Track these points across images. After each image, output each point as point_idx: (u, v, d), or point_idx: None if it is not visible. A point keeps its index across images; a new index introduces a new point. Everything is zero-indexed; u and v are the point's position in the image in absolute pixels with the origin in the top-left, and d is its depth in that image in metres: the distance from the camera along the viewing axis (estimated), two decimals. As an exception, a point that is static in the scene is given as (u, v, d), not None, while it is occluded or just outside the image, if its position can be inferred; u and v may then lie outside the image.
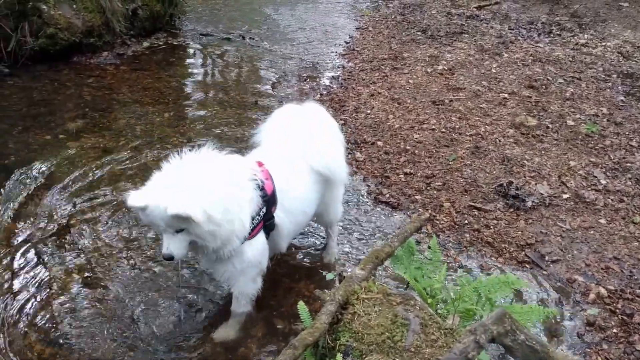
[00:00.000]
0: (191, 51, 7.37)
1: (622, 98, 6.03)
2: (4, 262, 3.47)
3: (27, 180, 4.28)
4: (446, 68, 6.72)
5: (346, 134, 5.08)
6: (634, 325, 3.23)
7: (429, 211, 4.17)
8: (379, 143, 5.10)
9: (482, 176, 4.61)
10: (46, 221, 3.86)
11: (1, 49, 6.03)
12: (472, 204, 4.28)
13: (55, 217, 3.91)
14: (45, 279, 3.36)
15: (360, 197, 4.37)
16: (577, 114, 5.63)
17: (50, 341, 2.97)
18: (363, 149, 5.01)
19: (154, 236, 3.72)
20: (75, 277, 3.41)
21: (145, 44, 7.28)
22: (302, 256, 3.74)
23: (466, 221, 4.10)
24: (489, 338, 1.95)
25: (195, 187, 2.46)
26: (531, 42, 7.68)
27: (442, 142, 5.10)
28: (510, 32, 8.05)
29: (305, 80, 6.57)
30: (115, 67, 6.56)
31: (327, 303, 2.31)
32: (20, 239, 3.69)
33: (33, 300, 3.22)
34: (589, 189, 4.49)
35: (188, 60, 7.17)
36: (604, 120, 5.53)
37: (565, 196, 4.39)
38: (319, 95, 6.09)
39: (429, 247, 3.09)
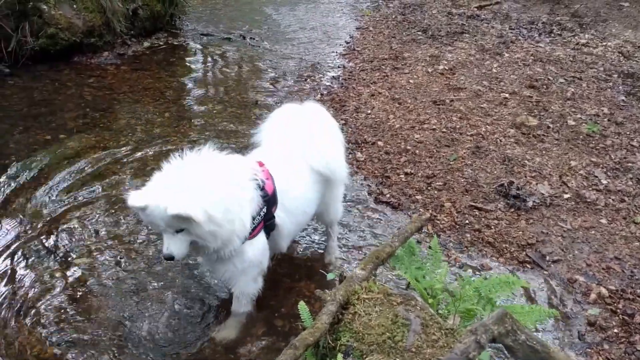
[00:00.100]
0: (192, 51, 7.38)
1: (623, 98, 6.02)
2: (5, 262, 3.48)
3: (27, 180, 4.28)
4: (447, 68, 6.71)
5: (347, 134, 5.08)
6: (635, 325, 3.23)
7: (430, 211, 4.17)
8: (380, 143, 5.09)
9: (483, 176, 4.60)
10: (46, 221, 3.86)
11: (2, 49, 6.03)
12: (473, 204, 4.27)
13: (55, 217, 3.91)
14: (46, 279, 3.36)
15: (361, 197, 4.36)
16: (578, 114, 5.63)
17: (46, 341, 2.96)
18: (363, 149, 5.01)
19: (154, 236, 3.72)
20: (76, 277, 3.41)
21: (146, 44, 7.28)
22: (302, 256, 3.73)
23: (467, 221, 4.10)
24: (490, 338, 1.94)
25: (195, 187, 2.46)
26: (532, 42, 7.67)
27: (442, 142, 5.09)
28: (511, 32, 8.05)
29: (305, 80, 6.56)
30: (115, 67, 6.56)
31: (327, 303, 2.30)
32: (20, 239, 3.69)
33: (33, 300, 3.21)
34: (590, 189, 4.48)
35: (188, 60, 7.16)
36: (605, 120, 5.53)
37: (566, 196, 4.38)
38: (319, 95, 6.09)
39: (430, 247, 3.08)
